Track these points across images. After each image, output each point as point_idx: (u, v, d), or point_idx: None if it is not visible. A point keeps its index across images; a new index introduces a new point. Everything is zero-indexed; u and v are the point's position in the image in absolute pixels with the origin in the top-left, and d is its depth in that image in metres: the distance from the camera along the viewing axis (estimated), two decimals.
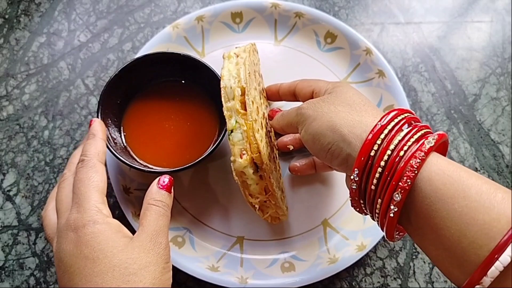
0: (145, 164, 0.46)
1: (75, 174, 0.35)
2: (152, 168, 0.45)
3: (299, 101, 0.43)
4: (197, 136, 0.47)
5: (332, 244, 0.47)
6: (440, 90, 0.55)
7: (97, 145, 0.38)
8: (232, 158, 0.39)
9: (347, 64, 0.54)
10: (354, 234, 0.47)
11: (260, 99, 0.44)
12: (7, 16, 0.57)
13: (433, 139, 0.28)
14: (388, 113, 0.31)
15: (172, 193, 0.37)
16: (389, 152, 0.29)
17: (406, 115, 0.31)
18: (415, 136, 0.29)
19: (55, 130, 0.52)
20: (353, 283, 0.47)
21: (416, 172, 0.27)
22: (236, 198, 0.48)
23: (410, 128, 0.30)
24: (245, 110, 0.39)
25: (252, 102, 0.39)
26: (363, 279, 0.47)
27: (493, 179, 0.51)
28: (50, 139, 0.51)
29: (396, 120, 0.30)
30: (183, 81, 0.49)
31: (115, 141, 0.45)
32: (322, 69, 0.53)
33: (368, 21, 0.58)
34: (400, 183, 0.28)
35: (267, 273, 0.45)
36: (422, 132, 0.30)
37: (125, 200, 0.47)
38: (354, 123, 0.32)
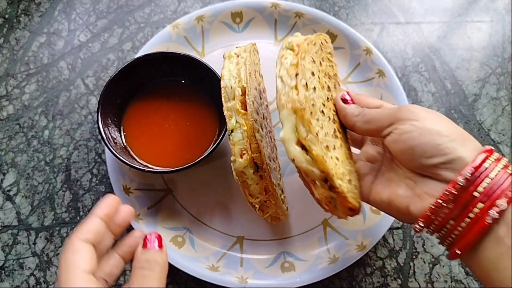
0: (145, 164, 0.46)
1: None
2: (152, 168, 0.45)
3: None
4: (197, 135, 0.47)
5: (332, 244, 0.47)
6: (440, 90, 0.55)
7: (88, 223, 0.36)
8: (232, 158, 0.39)
9: (347, 64, 0.54)
10: (354, 234, 0.47)
11: (261, 99, 0.44)
12: (7, 16, 0.57)
13: None
14: (487, 147, 0.32)
15: (164, 247, 0.35)
16: (500, 166, 0.30)
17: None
18: None
19: (55, 130, 0.52)
20: (353, 283, 0.47)
21: None
22: (236, 198, 0.48)
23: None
24: (246, 110, 0.39)
25: (253, 102, 0.39)
26: (363, 279, 0.47)
27: None
28: (50, 139, 0.51)
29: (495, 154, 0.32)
30: (183, 81, 0.49)
31: (115, 141, 0.45)
32: None
33: (368, 21, 0.58)
34: (507, 192, 0.29)
35: (267, 273, 0.45)
36: None
37: (125, 200, 0.47)
38: (470, 135, 0.33)
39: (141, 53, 0.51)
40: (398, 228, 0.49)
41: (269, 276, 0.45)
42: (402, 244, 0.48)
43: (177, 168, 0.43)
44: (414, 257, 0.48)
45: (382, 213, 0.47)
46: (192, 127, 0.48)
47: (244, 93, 0.39)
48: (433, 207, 0.31)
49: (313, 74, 0.37)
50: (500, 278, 0.29)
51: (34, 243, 0.47)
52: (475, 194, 0.30)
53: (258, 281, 0.45)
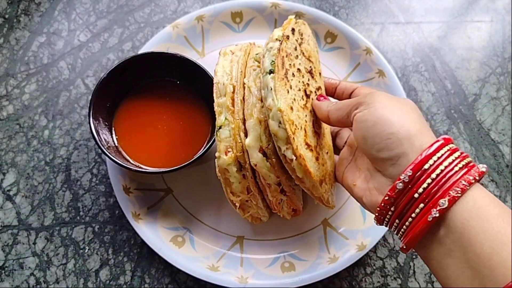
0: (139, 165, 0.46)
1: None
2: (145, 169, 0.45)
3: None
4: (191, 135, 0.47)
5: (332, 244, 0.47)
6: (440, 90, 0.55)
7: None
8: (217, 154, 0.39)
9: (347, 64, 0.54)
10: (354, 234, 0.47)
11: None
12: (7, 16, 0.57)
13: (482, 166, 0.30)
14: (440, 140, 0.32)
15: None
16: (445, 164, 0.30)
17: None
18: (466, 159, 0.31)
19: (55, 129, 0.52)
20: (353, 283, 0.47)
21: (468, 186, 0.29)
22: None
23: (461, 152, 0.32)
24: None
25: (241, 101, 0.39)
26: (363, 279, 0.47)
27: (493, 179, 0.51)
28: (50, 139, 0.51)
29: (450, 145, 0.31)
30: (178, 82, 0.49)
31: (108, 144, 0.45)
32: (322, 69, 0.53)
33: (368, 21, 0.58)
34: (450, 192, 0.29)
35: (267, 273, 0.45)
36: (469, 158, 0.32)
37: (125, 200, 0.47)
38: (423, 128, 0.32)
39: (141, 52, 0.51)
40: None
41: (269, 276, 0.45)
42: None
43: (172, 168, 0.43)
44: (414, 257, 0.48)
45: None
46: (186, 126, 0.47)
47: (234, 91, 0.39)
48: (379, 209, 0.33)
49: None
50: (444, 276, 0.30)
51: (34, 243, 0.47)
52: (416, 195, 0.30)
53: (258, 281, 0.45)
